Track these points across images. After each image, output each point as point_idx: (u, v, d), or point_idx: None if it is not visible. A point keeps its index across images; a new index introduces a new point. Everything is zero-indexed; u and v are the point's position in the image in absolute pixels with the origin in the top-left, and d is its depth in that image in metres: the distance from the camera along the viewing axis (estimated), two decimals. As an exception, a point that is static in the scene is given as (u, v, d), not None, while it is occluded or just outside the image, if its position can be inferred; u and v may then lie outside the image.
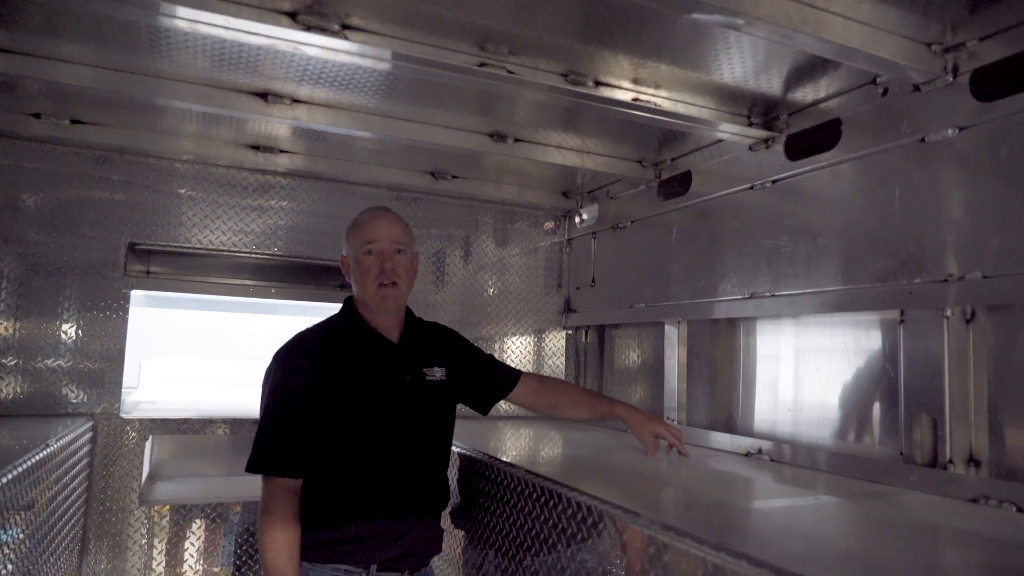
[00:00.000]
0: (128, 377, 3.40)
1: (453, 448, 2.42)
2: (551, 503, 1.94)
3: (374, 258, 2.07)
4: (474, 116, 2.95)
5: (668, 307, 3.30)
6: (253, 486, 1.99)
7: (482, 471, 2.41)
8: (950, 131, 2.09)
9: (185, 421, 3.36)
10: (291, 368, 2.01)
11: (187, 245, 3.46)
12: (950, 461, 2.05)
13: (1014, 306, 1.99)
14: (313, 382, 1.97)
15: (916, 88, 2.19)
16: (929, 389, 2.13)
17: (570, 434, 3.26)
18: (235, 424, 3.44)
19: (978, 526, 1.71)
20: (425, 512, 2.14)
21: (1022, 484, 1.88)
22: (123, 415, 3.26)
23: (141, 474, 3.28)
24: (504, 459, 2.34)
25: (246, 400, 4.62)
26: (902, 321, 2.24)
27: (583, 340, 4.23)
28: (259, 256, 3.63)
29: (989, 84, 2.02)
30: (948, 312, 2.09)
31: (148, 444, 3.31)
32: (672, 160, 3.37)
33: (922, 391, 2.15)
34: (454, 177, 3.85)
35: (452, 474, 2.58)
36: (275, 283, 3.84)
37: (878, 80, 2.32)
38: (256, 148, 3.42)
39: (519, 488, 2.14)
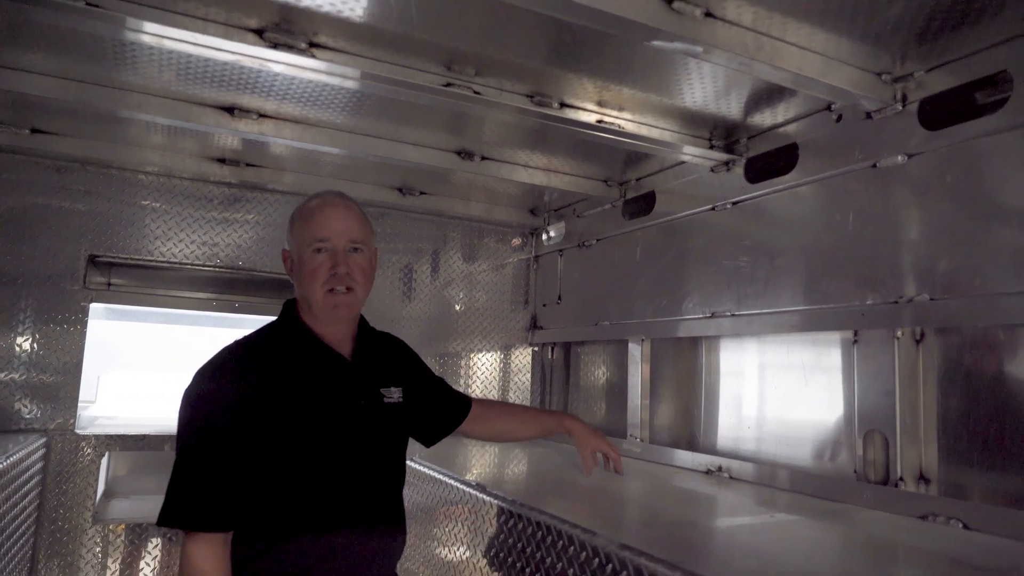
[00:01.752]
0: (86, 391, 3.33)
1: (409, 464, 2.36)
2: (511, 523, 1.95)
3: (324, 257, 1.71)
4: (442, 134, 2.97)
5: (632, 325, 3.34)
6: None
7: (442, 492, 2.40)
8: (900, 157, 2.17)
9: (143, 437, 3.30)
10: (216, 392, 1.60)
11: (149, 258, 3.41)
12: (901, 479, 2.10)
13: (961, 328, 2.06)
14: (244, 409, 1.58)
15: (868, 115, 2.26)
16: (881, 408, 2.18)
17: (533, 450, 3.26)
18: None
19: (926, 543, 1.75)
20: (380, 558, 1.78)
21: (968, 501, 1.93)
22: (78, 431, 3.19)
23: (96, 492, 3.20)
24: (467, 477, 2.34)
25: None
26: (856, 341, 2.30)
27: (549, 357, 4.26)
28: (224, 270, 3.59)
29: (936, 113, 2.10)
30: (899, 333, 2.16)
31: (104, 461, 3.24)
32: (637, 180, 3.43)
33: (874, 410, 2.21)
34: (422, 193, 3.86)
35: (407, 495, 2.57)
36: (239, 297, 3.80)
37: (833, 107, 2.39)
38: (222, 161, 3.40)
39: (480, 508, 2.15)
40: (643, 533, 1.77)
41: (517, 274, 4.35)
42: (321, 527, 1.65)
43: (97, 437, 3.20)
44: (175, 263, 3.47)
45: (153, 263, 3.45)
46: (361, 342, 1.85)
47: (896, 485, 2.10)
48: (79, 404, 3.23)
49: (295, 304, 1.81)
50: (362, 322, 1.89)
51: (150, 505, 3.44)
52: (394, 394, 1.87)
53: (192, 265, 3.50)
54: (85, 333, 3.24)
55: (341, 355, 1.78)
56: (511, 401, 4.16)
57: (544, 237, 4.27)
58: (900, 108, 2.17)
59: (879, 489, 2.13)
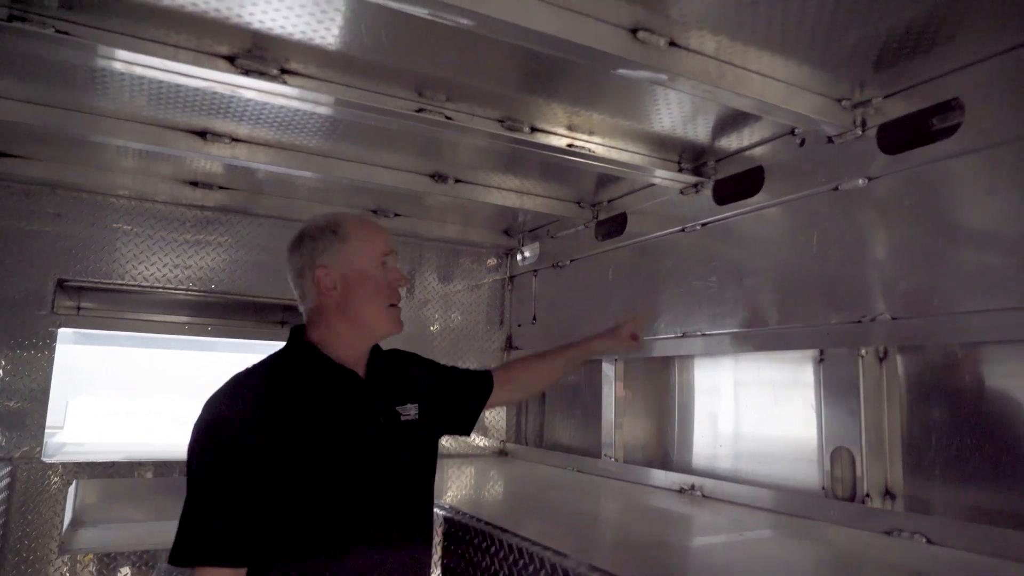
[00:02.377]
0: (53, 417, 3.27)
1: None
2: (484, 544, 1.95)
3: (392, 273, 1.73)
4: (416, 157, 2.99)
5: (605, 345, 3.37)
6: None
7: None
8: (860, 180, 2.23)
9: (112, 464, 3.25)
10: (231, 418, 1.54)
11: (120, 281, 3.38)
12: (867, 495, 2.14)
13: (923, 346, 2.12)
14: (261, 434, 1.51)
15: (830, 140, 2.33)
16: (846, 426, 2.23)
17: (508, 470, 3.27)
18: (166, 466, 3.34)
19: (890, 558, 1.79)
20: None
21: (931, 516, 1.98)
22: (45, 459, 3.12)
23: (63, 521, 3.14)
24: (440, 500, 2.34)
25: (182, 440, 4.48)
26: (822, 360, 2.35)
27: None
28: (196, 293, 3.56)
29: (894, 138, 2.18)
30: (863, 351, 2.21)
31: (72, 489, 3.18)
32: (609, 202, 3.48)
33: (840, 428, 2.25)
34: (397, 215, 3.88)
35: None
36: (213, 320, 3.77)
37: (796, 131, 2.46)
38: (194, 184, 3.39)
39: (451, 529, 2.14)
40: (614, 554, 1.78)
41: (492, 295, 4.38)
42: (341, 550, 1.58)
43: (64, 465, 3.14)
44: (147, 287, 3.44)
45: (124, 287, 3.42)
46: (374, 360, 1.79)
47: (863, 501, 2.14)
48: (46, 431, 3.17)
49: (303, 330, 1.74)
50: (382, 350, 1.85)
51: (120, 534, 3.38)
52: (410, 411, 1.79)
53: (164, 289, 3.47)
54: (53, 359, 3.19)
55: (355, 373, 1.71)
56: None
57: (519, 258, 4.30)
58: (860, 133, 2.24)
59: (846, 505, 2.17)
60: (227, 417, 1.54)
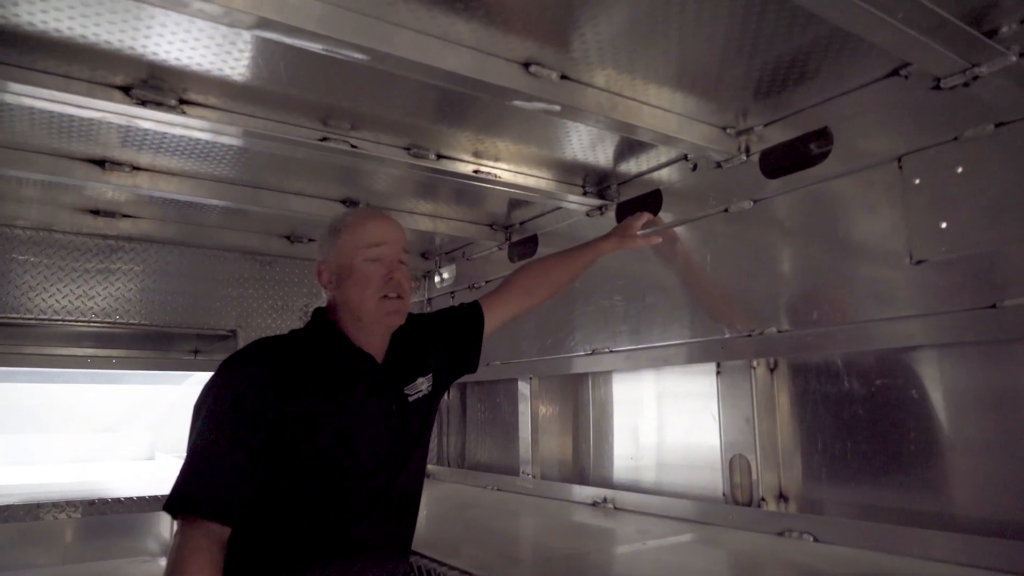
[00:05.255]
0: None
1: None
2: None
3: (379, 266, 1.69)
4: (327, 183, 2.99)
5: (520, 364, 3.44)
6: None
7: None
8: (747, 203, 2.38)
9: (7, 508, 3.08)
10: (244, 381, 1.56)
11: (15, 315, 3.23)
12: (762, 499, 2.27)
13: (808, 356, 2.26)
14: (269, 402, 1.53)
15: (719, 165, 2.48)
16: (743, 434, 2.36)
17: (428, 492, 3.28)
18: (70, 506, 3.19)
19: (777, 557, 1.91)
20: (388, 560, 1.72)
21: (819, 516, 2.11)
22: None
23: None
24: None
25: (91, 479, 4.28)
26: (719, 372, 2.48)
27: (446, 397, 4.29)
28: (100, 324, 3.44)
29: (774, 163, 2.34)
30: (755, 363, 2.35)
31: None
32: (521, 224, 3.57)
33: (737, 436, 2.38)
34: (311, 240, 3.85)
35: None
36: (119, 352, 3.65)
37: (689, 157, 2.60)
38: (96, 213, 3.28)
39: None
40: (507, 569, 1.83)
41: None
42: (325, 526, 1.59)
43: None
44: (45, 319, 3.30)
45: (21, 321, 3.27)
46: (394, 347, 1.80)
47: (759, 505, 2.27)
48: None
49: (325, 311, 1.78)
50: (401, 327, 1.81)
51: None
52: (421, 386, 1.82)
53: (64, 321, 3.34)
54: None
55: (372, 357, 1.74)
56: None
57: (436, 279, 4.34)
58: (744, 159, 2.39)
59: (744, 510, 2.29)
60: (241, 376, 1.57)
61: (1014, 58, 1.70)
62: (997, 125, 1.75)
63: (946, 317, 1.83)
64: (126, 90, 1.98)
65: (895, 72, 1.97)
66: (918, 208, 1.91)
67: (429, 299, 4.42)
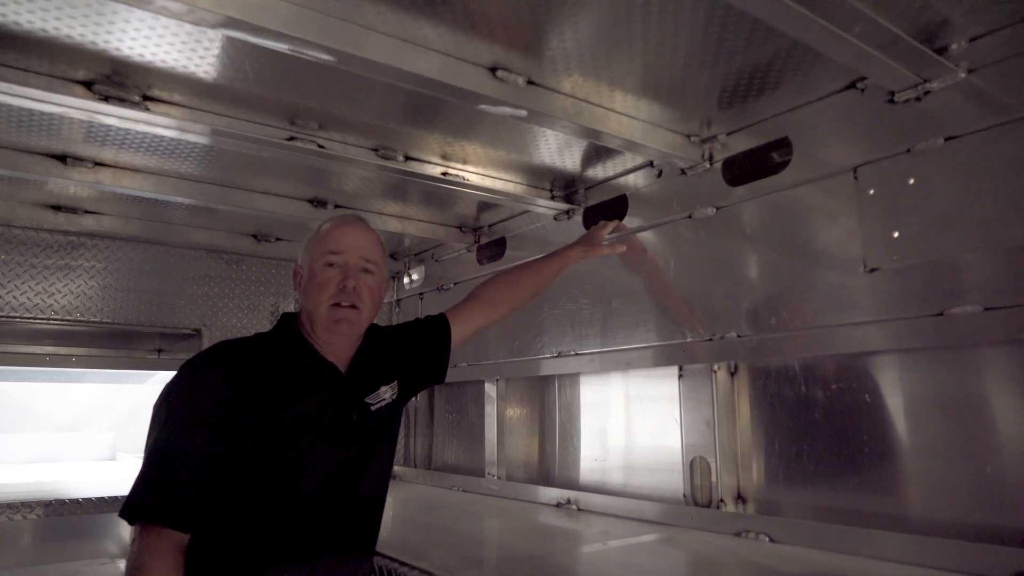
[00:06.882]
0: None
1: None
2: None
3: (335, 271, 1.67)
4: (295, 183, 2.98)
5: (487, 366, 3.45)
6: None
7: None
8: (710, 209, 2.43)
9: (-41, 509, 3.01)
10: (204, 384, 1.55)
11: (-29, 312, 3.16)
12: (722, 500, 2.31)
13: (766, 360, 2.31)
14: (229, 407, 1.52)
15: (683, 172, 2.52)
16: (703, 436, 2.40)
17: (395, 493, 3.27)
18: (26, 508, 3.12)
19: (732, 556, 1.95)
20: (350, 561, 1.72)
21: (775, 517, 2.16)
22: None
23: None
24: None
25: (49, 479, 4.19)
26: (681, 376, 2.52)
27: (413, 399, 4.28)
28: (60, 322, 3.38)
29: (736, 171, 2.38)
30: (715, 367, 2.39)
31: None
32: (489, 226, 3.58)
33: (698, 438, 2.42)
34: (278, 239, 3.83)
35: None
36: (78, 351, 3.58)
37: (654, 163, 2.64)
38: (57, 208, 3.23)
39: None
40: (467, 569, 1.85)
41: (379, 318, 4.36)
42: (282, 534, 1.57)
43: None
44: (3, 316, 3.23)
45: (-23, 317, 3.20)
46: (360, 356, 1.79)
47: (718, 507, 2.31)
48: None
49: (294, 317, 1.76)
50: (368, 338, 1.83)
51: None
52: (384, 395, 1.80)
53: (22, 318, 3.27)
54: None
55: (335, 367, 1.72)
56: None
57: (406, 280, 4.33)
58: (708, 166, 2.44)
59: (704, 511, 2.33)
60: (201, 379, 1.56)
61: (963, 75, 1.76)
62: (947, 139, 1.82)
63: (898, 324, 1.89)
64: (88, 85, 1.96)
65: (852, 85, 2.03)
66: (872, 218, 1.97)
67: (398, 300, 4.41)
